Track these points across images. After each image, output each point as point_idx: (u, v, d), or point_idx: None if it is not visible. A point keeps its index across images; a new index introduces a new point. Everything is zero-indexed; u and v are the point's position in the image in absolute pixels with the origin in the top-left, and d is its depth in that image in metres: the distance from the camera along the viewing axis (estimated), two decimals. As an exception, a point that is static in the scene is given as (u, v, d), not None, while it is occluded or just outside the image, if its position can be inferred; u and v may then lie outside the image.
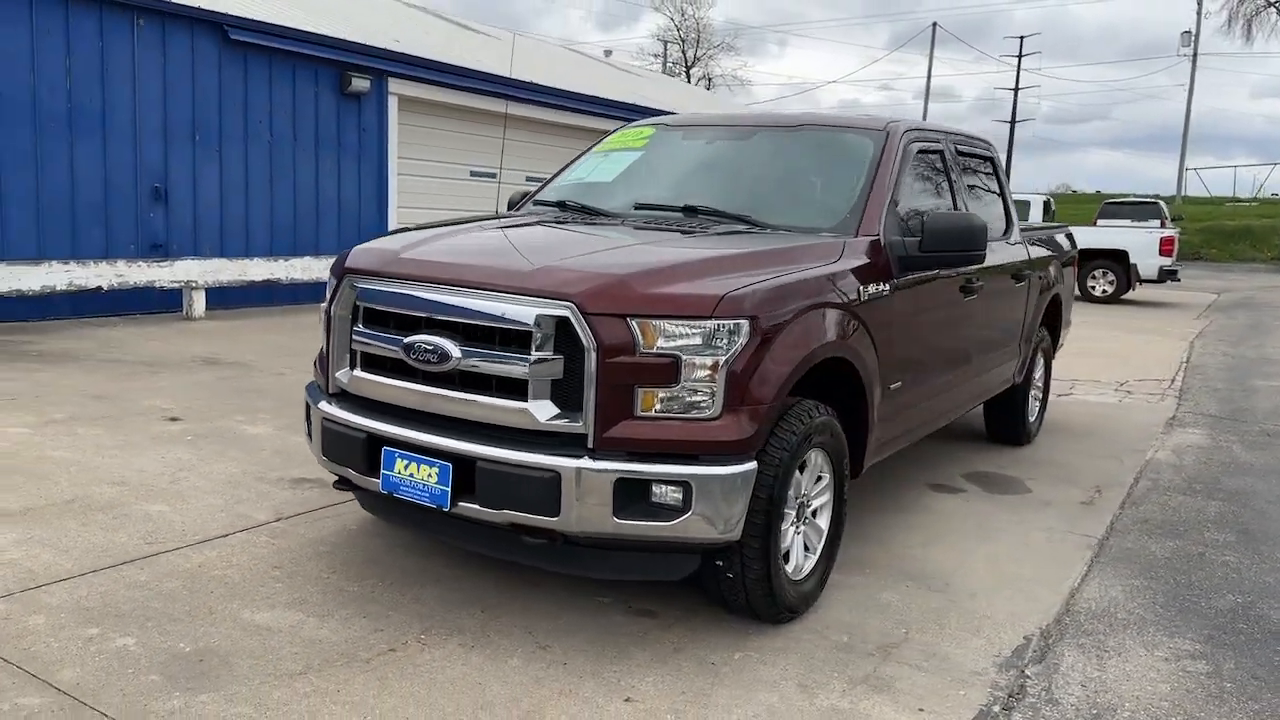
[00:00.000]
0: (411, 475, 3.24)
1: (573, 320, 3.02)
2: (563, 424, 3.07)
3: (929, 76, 42.15)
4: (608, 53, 29.37)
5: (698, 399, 3.08)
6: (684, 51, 68.85)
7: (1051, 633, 3.62)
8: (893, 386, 4.09)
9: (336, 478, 3.62)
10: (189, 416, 6.04)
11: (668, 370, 3.04)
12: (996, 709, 3.04)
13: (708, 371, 3.07)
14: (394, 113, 12.48)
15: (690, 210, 4.18)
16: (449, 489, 3.16)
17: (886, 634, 3.52)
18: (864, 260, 3.81)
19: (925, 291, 4.27)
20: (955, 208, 4.87)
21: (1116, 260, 17.78)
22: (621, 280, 3.10)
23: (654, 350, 3.03)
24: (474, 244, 3.64)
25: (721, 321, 3.08)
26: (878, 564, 4.21)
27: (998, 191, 5.69)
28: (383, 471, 3.33)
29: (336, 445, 3.50)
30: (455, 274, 3.28)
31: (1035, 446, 6.54)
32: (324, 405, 3.59)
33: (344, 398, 3.57)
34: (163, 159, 10.03)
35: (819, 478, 3.66)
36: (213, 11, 10.22)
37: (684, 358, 3.05)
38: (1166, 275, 17.80)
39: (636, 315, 3.03)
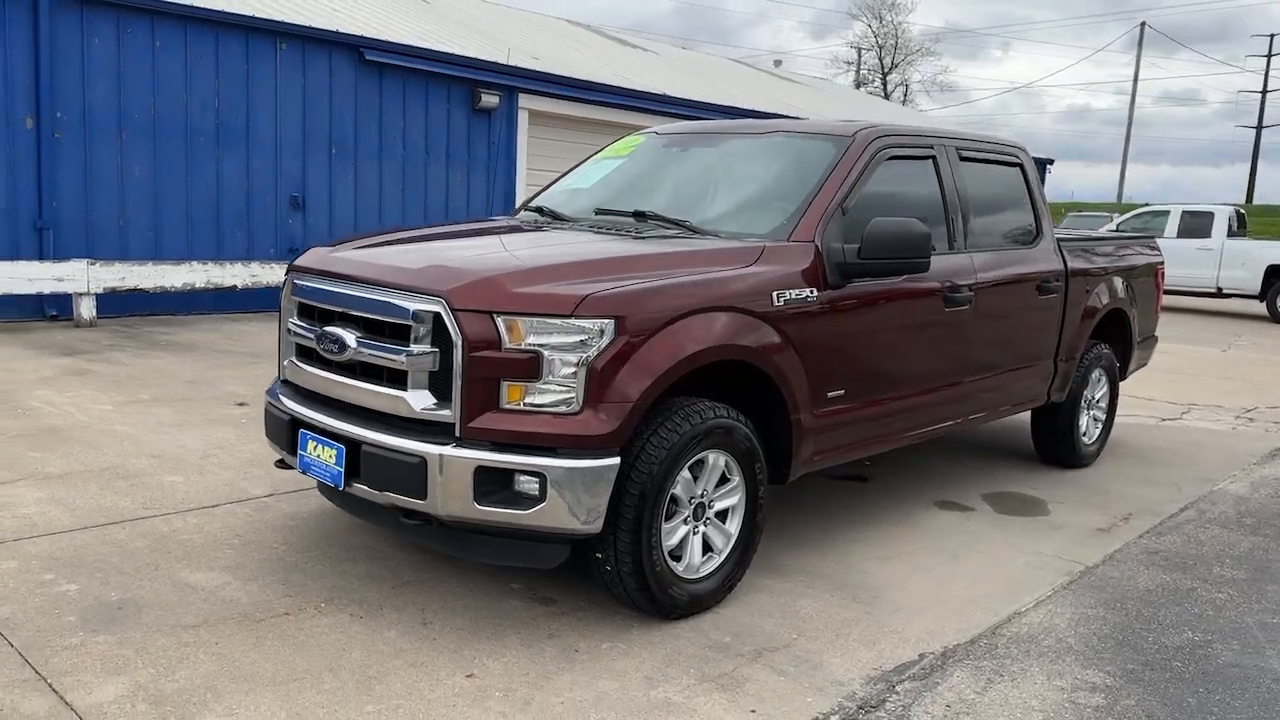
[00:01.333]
0: (318, 456, 3.54)
1: (444, 315, 3.22)
2: (435, 413, 3.27)
3: (1135, 79, 39.35)
4: (777, 63, 29.31)
5: (560, 394, 3.21)
6: (880, 58, 67.42)
7: (956, 653, 3.50)
8: (831, 394, 4.05)
9: (279, 458, 3.97)
10: (256, 403, 6.65)
11: (530, 366, 3.19)
12: (834, 718, 3.01)
13: (569, 368, 3.20)
14: (524, 126, 13.06)
15: (640, 215, 4.29)
16: (343, 470, 3.43)
17: (773, 638, 3.51)
18: (783, 266, 3.81)
19: (880, 299, 4.19)
20: (946, 216, 4.73)
21: (1312, 278, 16.18)
22: (490, 279, 3.28)
23: (519, 346, 3.19)
24: (398, 245, 3.91)
25: (583, 320, 3.20)
26: (820, 573, 4.16)
27: (1025, 198, 5.44)
28: (299, 451, 3.64)
29: (273, 427, 3.85)
30: (359, 271, 3.56)
31: (1091, 471, 6.17)
32: (268, 390, 3.95)
33: (285, 384, 3.92)
34: (301, 171, 10.96)
35: (725, 480, 3.69)
36: (349, 35, 11.08)
37: (546, 354, 3.19)
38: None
39: (502, 312, 3.20)
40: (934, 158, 4.75)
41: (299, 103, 10.86)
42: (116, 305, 9.64)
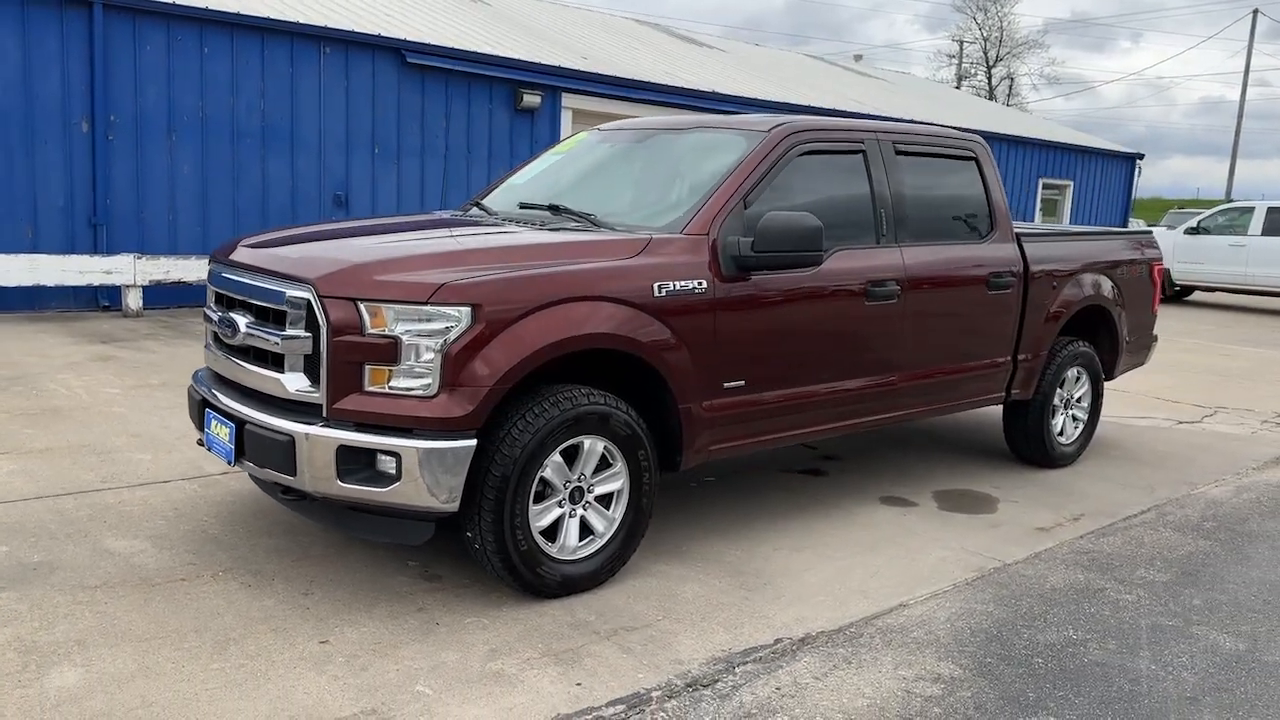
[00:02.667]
0: (218, 434, 3.79)
1: (312, 301, 3.43)
2: (308, 395, 3.49)
3: (1246, 70, 37.33)
4: (857, 58, 28.93)
5: (418, 378, 3.38)
6: (985, 51, 65.61)
7: (815, 640, 3.54)
8: (729, 385, 4.12)
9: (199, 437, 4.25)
10: (257, 389, 7.02)
11: (390, 350, 3.37)
12: (656, 693, 3.10)
13: (428, 353, 3.37)
14: (567, 125, 13.30)
15: (554, 209, 4.44)
16: (233, 447, 3.67)
17: (638, 619, 3.61)
18: (669, 258, 3.90)
19: (784, 292, 4.23)
20: (874, 210, 4.73)
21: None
22: (354, 267, 3.48)
23: (380, 332, 3.38)
24: (306, 238, 4.13)
25: (439, 307, 3.36)
26: (720, 560, 4.24)
27: (980, 192, 5.37)
28: (204, 429, 3.91)
29: (191, 408, 4.13)
30: (256, 260, 3.80)
31: (1066, 471, 6.04)
32: (194, 374, 4.24)
33: (207, 368, 4.20)
34: (344, 170, 11.42)
35: (607, 465, 3.81)
36: (391, 38, 11.49)
37: (405, 339, 3.37)
38: None
39: (364, 299, 3.39)
40: (864, 152, 4.75)
41: (342, 104, 11.32)
42: (165, 297, 10.24)
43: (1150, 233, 6.85)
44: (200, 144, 10.43)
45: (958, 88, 53.50)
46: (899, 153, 4.93)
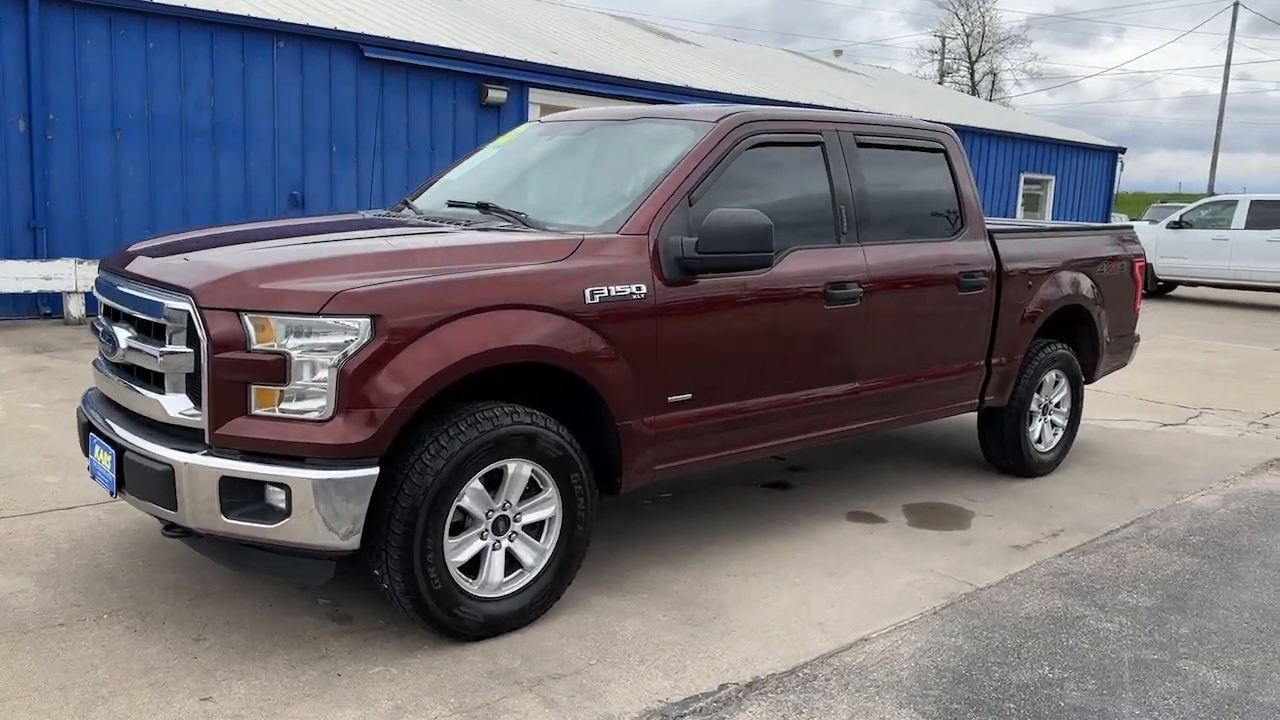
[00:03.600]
0: (101, 461, 3.40)
1: (192, 313, 3.05)
2: (190, 418, 3.10)
3: (1227, 63, 37.22)
4: (837, 53, 28.63)
5: (311, 399, 3.01)
6: (967, 46, 65.42)
7: (764, 684, 3.18)
8: (674, 399, 3.76)
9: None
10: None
11: (277, 368, 2.99)
12: (576, 758, 2.74)
13: (318, 370, 2.99)
14: (535, 120, 12.90)
15: (483, 207, 4.06)
16: (114, 476, 3.29)
17: (568, 663, 3.25)
18: (604, 260, 3.53)
19: (734, 296, 3.87)
20: (833, 206, 4.37)
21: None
22: (237, 275, 3.09)
23: (268, 347, 3.00)
24: (196, 242, 3.74)
25: (333, 319, 2.99)
26: (667, 590, 3.88)
27: (949, 187, 5.02)
28: (89, 455, 3.52)
29: (80, 432, 3.74)
30: (140, 268, 3.41)
31: (1044, 480, 5.70)
32: (84, 394, 3.85)
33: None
34: (300, 169, 11.01)
35: (537, 490, 3.44)
36: (348, 32, 11.08)
37: (295, 355, 2.99)
38: None
39: (249, 310, 3.01)
40: (822, 144, 4.40)
41: (297, 101, 10.91)
42: (111, 303, 9.80)
43: (1131, 228, 6.52)
44: (146, 143, 10.00)
45: (940, 83, 53.31)
46: (860, 144, 4.57)
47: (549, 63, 13.06)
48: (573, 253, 3.50)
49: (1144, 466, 6.07)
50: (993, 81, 65.02)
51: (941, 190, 4.99)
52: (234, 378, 3.01)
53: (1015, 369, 5.38)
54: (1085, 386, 6.02)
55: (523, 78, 12.68)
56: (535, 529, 3.48)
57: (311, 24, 10.84)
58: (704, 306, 3.78)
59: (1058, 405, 5.85)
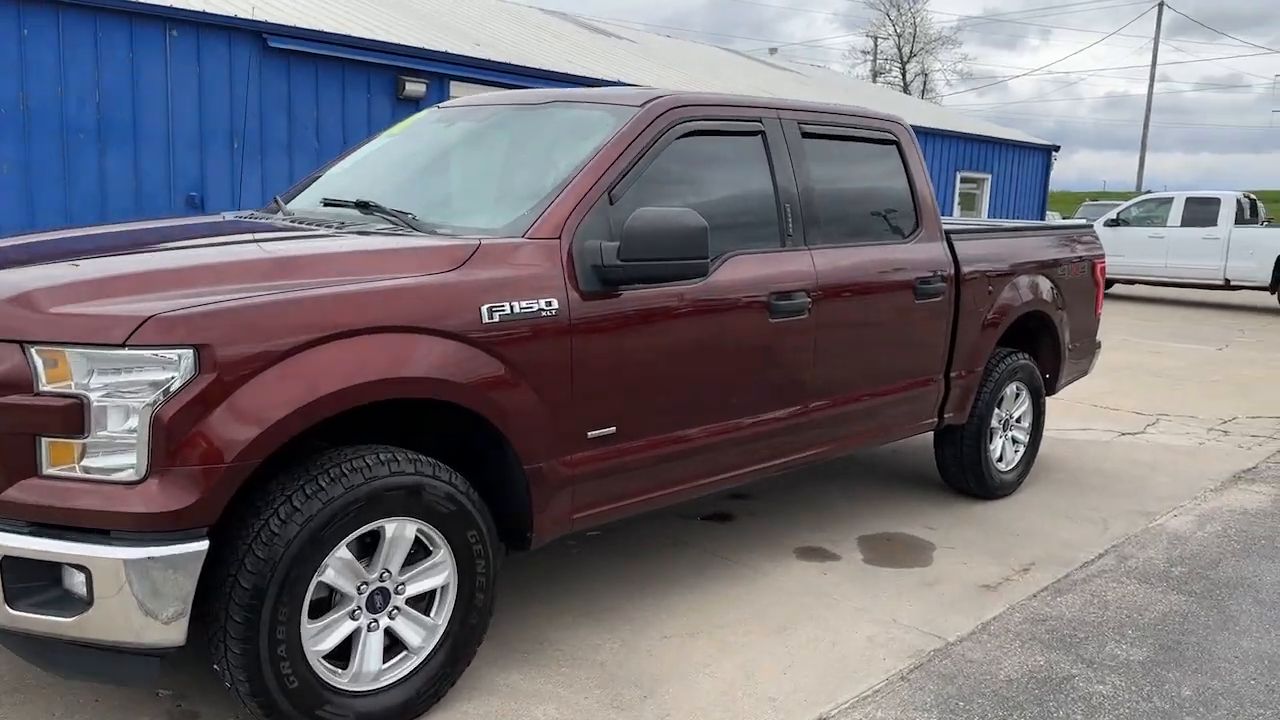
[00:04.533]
0: None
1: (-35, 348, 2.36)
2: (-33, 481, 2.41)
3: (1154, 62, 37.80)
4: (772, 50, 28.30)
5: (117, 454, 2.34)
6: (899, 47, 65.91)
7: (703, 792, 2.59)
8: (595, 434, 3.15)
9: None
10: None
11: (74, 414, 2.32)
12: None
13: (128, 417, 2.32)
14: (457, 116, 12.18)
15: (364, 206, 3.41)
16: (-123, 552, 2.57)
17: (460, 773, 2.62)
18: (504, 271, 2.91)
19: (664, 310, 3.28)
20: (777, 204, 3.81)
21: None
22: (23, 295, 2.42)
23: (60, 388, 2.32)
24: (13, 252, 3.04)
25: (147, 350, 2.32)
26: (592, 660, 3.27)
27: (902, 183, 4.49)
28: None
29: None
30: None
31: (1007, 503, 5.22)
32: None
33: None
34: (198, 168, 10.16)
35: (426, 552, 2.81)
36: (249, 20, 10.26)
37: (95, 399, 2.32)
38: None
39: (37, 341, 2.34)
40: (763, 133, 3.83)
41: (194, 94, 10.06)
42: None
43: (1091, 226, 6.09)
44: (22, 140, 9.09)
45: (874, 83, 53.51)
46: (806, 135, 4.01)
47: (471, 54, 12.36)
48: (466, 261, 2.88)
49: (1110, 484, 5.63)
50: (924, 82, 65.63)
51: (895, 187, 4.46)
52: (18, 428, 2.33)
53: (975, 382, 4.88)
54: (1046, 399, 5.56)
55: (443, 70, 11.95)
56: (423, 601, 2.85)
57: (209, 10, 10.00)
58: (629, 323, 3.18)
59: (1019, 420, 5.37)
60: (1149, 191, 18.80)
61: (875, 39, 66.24)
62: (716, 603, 3.76)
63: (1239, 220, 15.95)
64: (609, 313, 3.12)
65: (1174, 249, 16.02)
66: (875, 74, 62.81)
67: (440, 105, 4.25)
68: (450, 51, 12.05)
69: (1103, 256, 5.89)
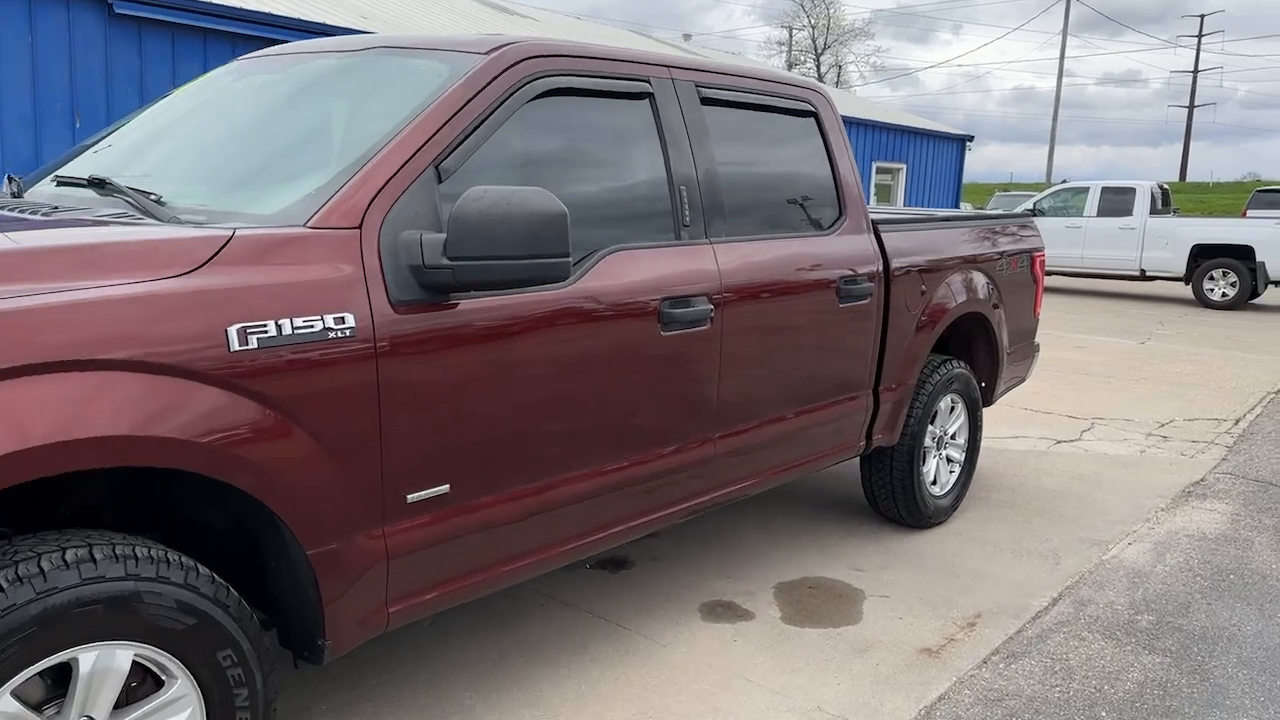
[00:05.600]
0: None
1: None
2: None
3: (1061, 56, 38.16)
4: (687, 37, 27.61)
5: None
6: (814, 39, 66.02)
7: None
8: (418, 496, 2.31)
9: None
10: None
11: None
12: None
13: None
14: (339, 95, 11.13)
15: (100, 184, 2.51)
16: None
17: None
18: (269, 274, 2.06)
19: (515, 322, 2.46)
20: (670, 187, 3.01)
21: (1240, 258, 14.83)
22: None
23: None
24: None
25: None
26: (418, 794, 2.44)
27: (823, 163, 3.75)
28: None
29: None
30: None
31: (943, 533, 4.54)
32: None
33: None
34: (33, 148, 8.96)
35: (157, 684, 1.95)
36: (92, -18, 9.09)
37: None
38: (1305, 276, 14.66)
39: None
40: (651, 96, 3.03)
41: (27, 65, 8.85)
42: None
43: (1030, 216, 5.45)
44: None
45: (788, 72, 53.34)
46: (707, 101, 3.23)
47: (353, 26, 11.31)
48: (208, 261, 2.01)
49: (1053, 505, 5.00)
50: (838, 74, 65.91)
51: (814, 168, 3.71)
52: None
53: (907, 396, 4.18)
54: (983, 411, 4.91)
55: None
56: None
57: (42, -30, 8.81)
58: (464, 343, 2.35)
59: (954, 437, 4.70)
60: (1065, 181, 18.55)
61: (790, 30, 66.38)
62: (598, 695, 2.97)
63: (1154, 210, 15.77)
64: (435, 330, 2.29)
65: (1090, 239, 15.78)
66: (790, 65, 62.87)
67: (244, 56, 3.35)
68: (330, 24, 11.00)
69: (1042, 250, 5.26)
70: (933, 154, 22.51)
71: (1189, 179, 58.19)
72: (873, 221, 3.92)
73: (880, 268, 3.85)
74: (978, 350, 4.87)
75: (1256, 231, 14.91)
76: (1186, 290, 15.80)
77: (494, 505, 2.49)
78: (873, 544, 4.34)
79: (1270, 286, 14.99)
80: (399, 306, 2.22)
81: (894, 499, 4.39)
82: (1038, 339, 5.53)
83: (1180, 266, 15.19)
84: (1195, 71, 51.81)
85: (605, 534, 2.85)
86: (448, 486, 2.37)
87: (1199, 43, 52.58)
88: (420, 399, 2.27)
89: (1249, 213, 19.07)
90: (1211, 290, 15.06)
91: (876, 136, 20.46)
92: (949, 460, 4.69)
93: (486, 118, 2.51)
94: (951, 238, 4.46)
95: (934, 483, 4.57)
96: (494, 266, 2.22)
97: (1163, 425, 6.92)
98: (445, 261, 2.21)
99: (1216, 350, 10.54)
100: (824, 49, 65.77)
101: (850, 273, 3.64)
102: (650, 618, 3.50)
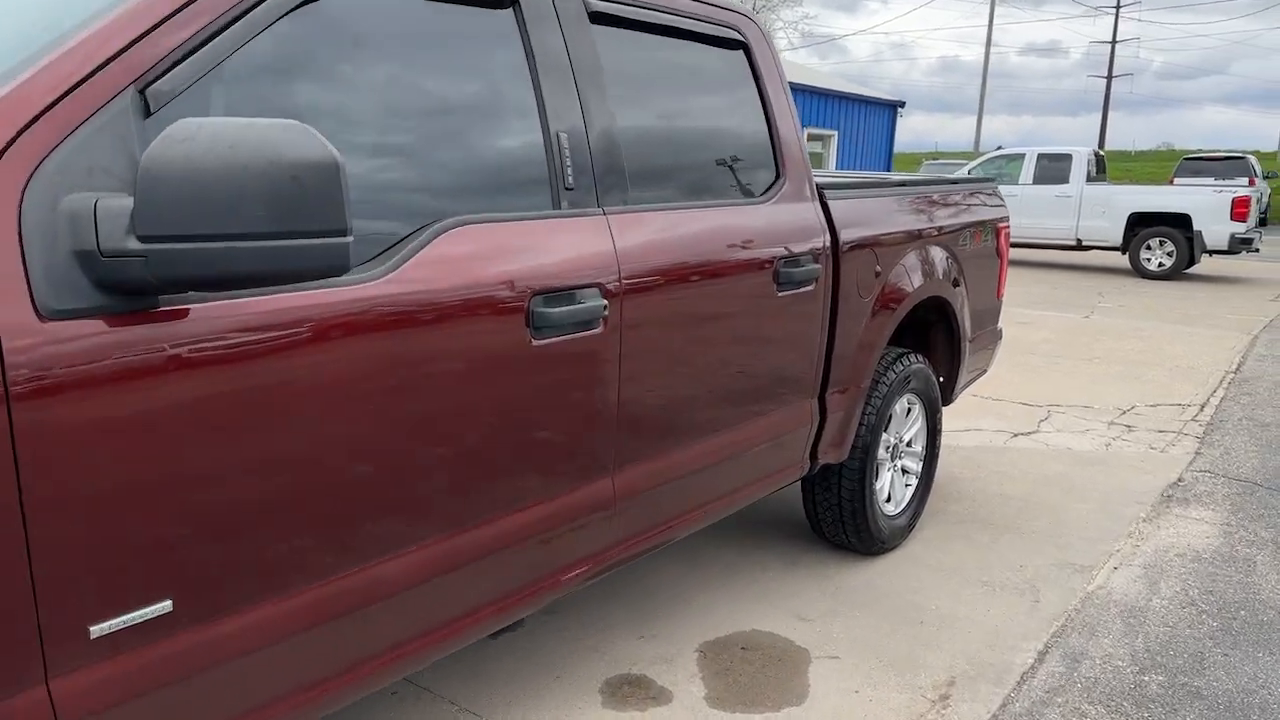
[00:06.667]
0: None
1: None
2: None
3: (990, 22, 37.95)
4: None
5: None
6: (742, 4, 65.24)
7: None
8: (106, 628, 1.44)
9: None
10: None
11: None
12: None
13: None
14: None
15: None
16: None
17: None
18: None
19: (263, 347, 1.58)
20: (544, 139, 2.15)
21: (1177, 226, 14.45)
22: None
23: None
24: None
25: None
26: None
27: (754, 110, 2.91)
28: None
29: None
30: None
31: (898, 561, 3.80)
32: None
33: None
34: None
35: None
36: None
37: None
38: (1240, 244, 14.32)
39: None
40: (515, 5, 2.15)
41: None
42: None
43: (994, 181, 4.71)
44: None
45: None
46: (598, 18, 2.36)
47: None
48: None
49: (1021, 518, 4.30)
50: (767, 40, 65.17)
51: (744, 117, 2.87)
52: None
53: (859, 400, 3.39)
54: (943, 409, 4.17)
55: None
56: None
57: None
58: (186, 373, 1.47)
59: (910, 445, 3.95)
60: (1000, 147, 18.07)
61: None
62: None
63: (1089, 178, 15.33)
64: (125, 355, 1.40)
65: (1026, 208, 15.28)
66: (719, 31, 61.98)
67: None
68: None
69: (1008, 220, 4.51)
70: (864, 120, 21.92)
71: (1106, 148, 58.95)
72: (818, 186, 3.11)
73: (827, 243, 3.04)
74: (936, 340, 4.12)
75: (1194, 199, 14.55)
76: (1122, 260, 15.43)
77: (258, 620, 1.62)
78: (818, 580, 3.58)
79: (1206, 256, 14.69)
80: (53, 317, 1.33)
81: (842, 524, 3.63)
82: (1000, 324, 4.81)
83: (1117, 236, 14.79)
84: (1114, 41, 52.16)
85: (442, 636, 2.00)
86: (169, 603, 1.49)
87: (1117, 12, 52.95)
88: (102, 464, 1.38)
89: (1176, 180, 18.82)
90: (1149, 260, 14.68)
91: (808, 102, 19.75)
92: (904, 472, 3.95)
93: (238, 16, 1.62)
94: (910, 206, 3.67)
95: (888, 500, 3.82)
96: (213, 252, 1.33)
97: (1124, 413, 6.30)
98: (133, 244, 1.33)
99: (1163, 324, 10.05)
100: (754, 14, 65.02)
101: (791, 251, 2.83)
102: (535, 707, 2.67)
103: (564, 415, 2.14)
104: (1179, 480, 4.92)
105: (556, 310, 2.06)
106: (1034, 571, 3.73)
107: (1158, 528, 4.25)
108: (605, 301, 2.17)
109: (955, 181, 4.21)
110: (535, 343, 2.04)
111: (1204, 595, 3.56)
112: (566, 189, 2.18)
